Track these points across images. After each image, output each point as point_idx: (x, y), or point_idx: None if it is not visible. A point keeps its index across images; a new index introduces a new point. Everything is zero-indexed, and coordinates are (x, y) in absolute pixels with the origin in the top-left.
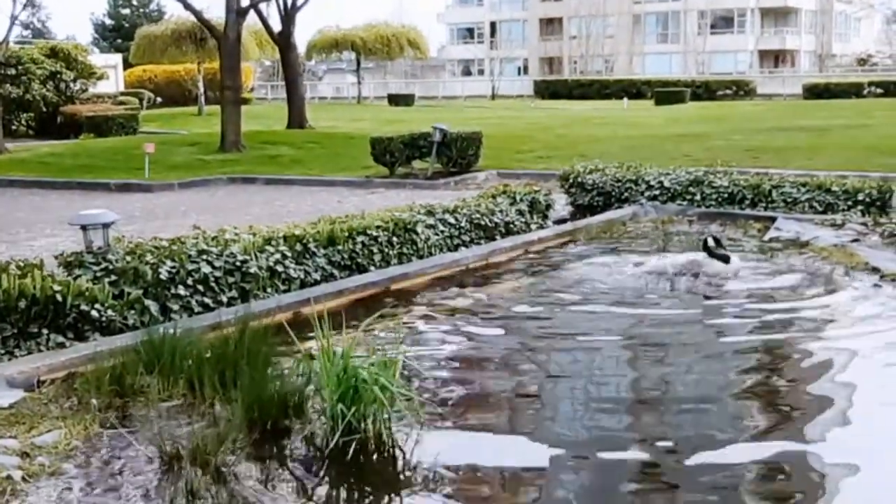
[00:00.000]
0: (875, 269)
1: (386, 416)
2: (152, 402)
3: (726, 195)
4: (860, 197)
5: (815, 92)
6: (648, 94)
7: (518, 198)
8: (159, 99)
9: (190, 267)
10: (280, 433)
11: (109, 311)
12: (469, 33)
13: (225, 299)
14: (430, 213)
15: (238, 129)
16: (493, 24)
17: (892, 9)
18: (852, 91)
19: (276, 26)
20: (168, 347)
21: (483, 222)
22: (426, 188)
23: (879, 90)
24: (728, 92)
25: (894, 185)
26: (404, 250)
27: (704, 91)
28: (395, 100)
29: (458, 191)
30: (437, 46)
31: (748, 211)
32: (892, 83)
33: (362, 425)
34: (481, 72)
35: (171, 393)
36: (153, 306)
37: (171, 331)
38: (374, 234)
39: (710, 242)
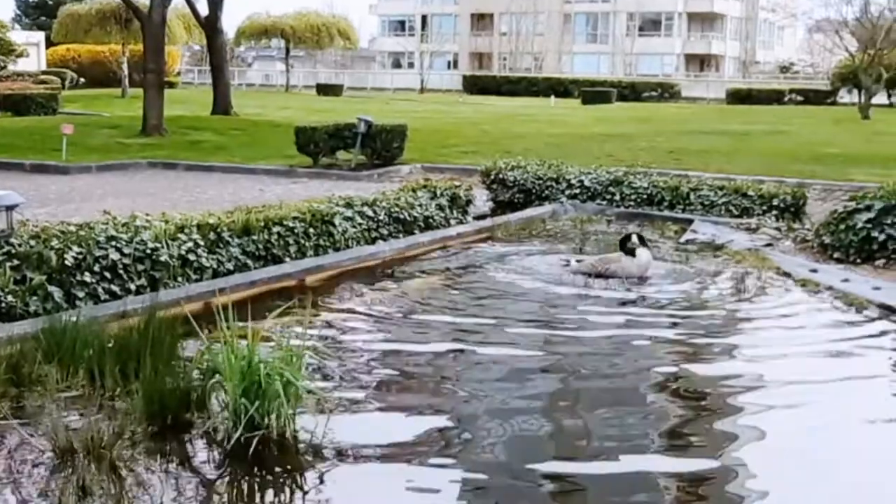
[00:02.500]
0: (786, 274)
1: (290, 411)
2: (50, 392)
3: (645, 196)
4: (775, 202)
5: (738, 97)
6: (576, 93)
7: (438, 192)
8: (82, 79)
9: (97, 253)
10: (181, 427)
11: (10, 297)
12: (400, 26)
13: (133, 287)
14: (348, 205)
15: (160, 114)
16: (424, 18)
17: (814, 19)
18: (774, 97)
19: (204, 10)
20: (70, 336)
21: (402, 216)
22: (350, 179)
23: (800, 97)
24: (654, 94)
25: (808, 192)
26: (321, 242)
27: (631, 92)
28: (323, 90)
29: (381, 183)
30: (368, 38)
31: (666, 212)
32: (812, 91)
33: (266, 421)
34: (411, 65)
35: (70, 383)
36: (57, 293)
37: (74, 319)
38: (291, 224)
39: (634, 240)
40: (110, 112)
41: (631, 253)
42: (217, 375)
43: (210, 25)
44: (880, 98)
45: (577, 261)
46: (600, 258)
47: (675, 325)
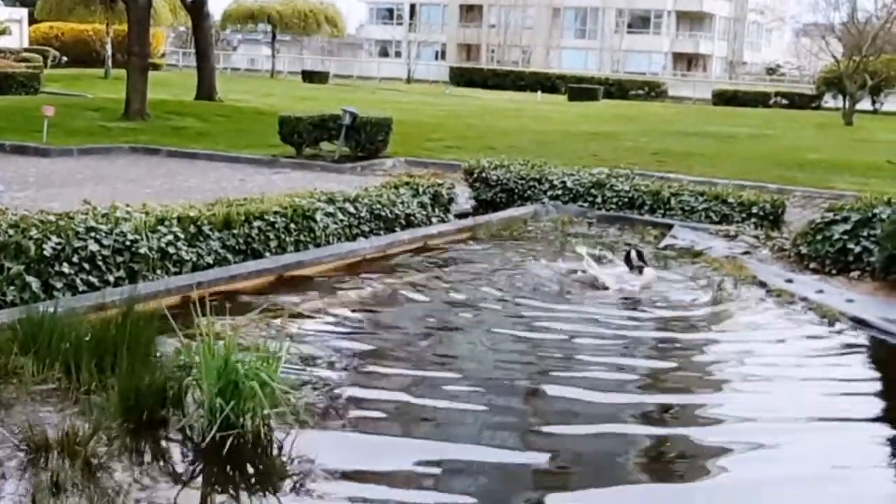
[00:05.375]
0: (762, 284)
1: (266, 411)
2: (25, 384)
3: (627, 199)
4: (754, 210)
5: (723, 98)
6: (562, 89)
7: (421, 190)
8: (65, 58)
9: (77, 244)
10: (157, 424)
11: None
12: (388, 14)
13: (112, 279)
14: (330, 200)
15: (144, 98)
16: (412, 7)
17: (801, 23)
18: (759, 100)
19: None
20: (47, 328)
21: (384, 213)
22: (333, 171)
23: (785, 101)
24: (640, 92)
25: (788, 199)
26: (301, 237)
27: (617, 90)
28: (309, 76)
29: (365, 176)
30: (355, 25)
31: (647, 217)
32: (797, 95)
33: (241, 420)
34: (398, 54)
35: (46, 376)
36: (35, 283)
37: (52, 310)
38: (272, 219)
39: (633, 255)
40: (93, 93)
41: (638, 270)
42: (193, 372)
43: (196, 9)
44: (864, 104)
45: (583, 271)
46: (603, 273)
47: (650, 337)
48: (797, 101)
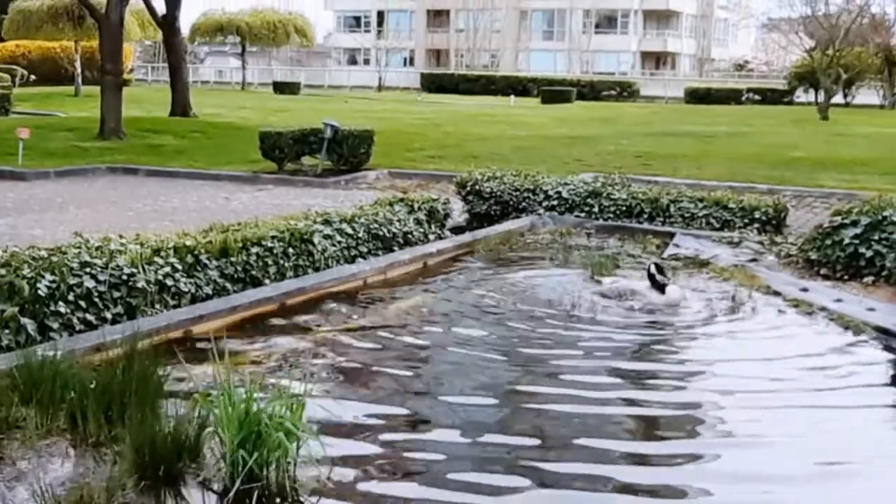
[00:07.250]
0: (776, 293)
1: (290, 461)
2: (29, 439)
3: (624, 208)
4: (756, 215)
5: (696, 96)
6: (534, 92)
7: (416, 206)
8: (33, 77)
9: (72, 281)
10: (173, 478)
11: None
12: (356, 22)
13: (109, 316)
14: (327, 221)
15: (119, 116)
16: (380, 14)
17: (770, 18)
18: (731, 97)
19: (161, 8)
20: (48, 374)
21: (381, 232)
22: (316, 186)
23: (757, 97)
24: (612, 92)
25: (780, 199)
26: (300, 262)
27: (590, 91)
28: (280, 87)
29: (349, 190)
30: (323, 33)
31: (646, 225)
32: (768, 90)
33: (264, 472)
34: (367, 61)
35: (49, 428)
36: (30, 325)
37: (52, 353)
38: (270, 245)
39: (653, 270)
40: (65, 112)
41: (661, 288)
42: (211, 422)
43: (168, 25)
44: (836, 98)
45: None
46: (630, 288)
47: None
48: (769, 97)
